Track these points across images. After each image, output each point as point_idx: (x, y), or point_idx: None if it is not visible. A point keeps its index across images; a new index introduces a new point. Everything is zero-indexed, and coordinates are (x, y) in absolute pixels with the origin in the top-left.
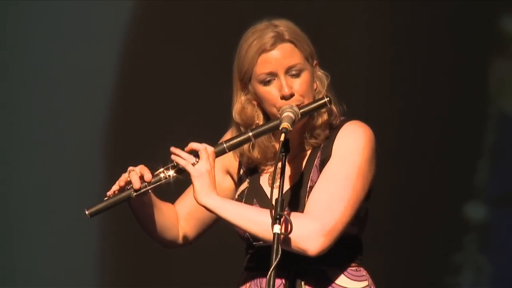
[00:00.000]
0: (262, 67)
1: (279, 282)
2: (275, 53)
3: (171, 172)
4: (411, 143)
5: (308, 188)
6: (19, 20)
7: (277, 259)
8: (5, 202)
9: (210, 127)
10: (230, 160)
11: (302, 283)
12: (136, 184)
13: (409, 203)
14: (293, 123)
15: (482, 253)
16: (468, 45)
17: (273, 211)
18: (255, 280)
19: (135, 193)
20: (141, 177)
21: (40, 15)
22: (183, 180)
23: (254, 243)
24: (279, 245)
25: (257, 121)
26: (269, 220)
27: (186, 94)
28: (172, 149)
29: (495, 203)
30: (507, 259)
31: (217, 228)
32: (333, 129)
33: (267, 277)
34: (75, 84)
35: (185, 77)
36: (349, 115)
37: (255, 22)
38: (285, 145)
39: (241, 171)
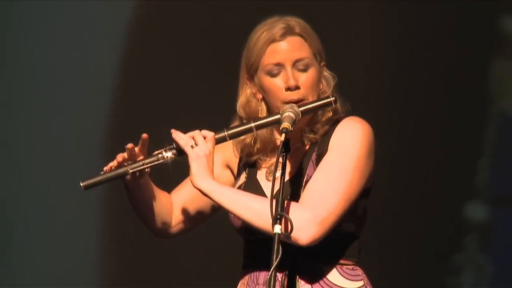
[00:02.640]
0: (270, 57)
1: None
2: (284, 44)
3: (169, 154)
4: (411, 143)
5: (304, 183)
6: (19, 20)
7: (277, 260)
8: (5, 202)
9: (210, 126)
10: (231, 155)
11: (297, 279)
12: (133, 161)
13: (410, 203)
14: (293, 123)
15: (483, 253)
16: (468, 45)
17: (272, 208)
18: (252, 276)
19: (131, 170)
20: (139, 156)
21: (40, 15)
22: (182, 172)
23: (250, 238)
24: (280, 245)
25: (259, 115)
26: (263, 207)
27: (186, 93)
28: (173, 130)
29: (495, 203)
30: (508, 259)
31: (218, 228)
32: (331, 125)
33: (268, 277)
34: (75, 84)
35: (185, 77)
36: (349, 114)
37: (255, 22)
38: (286, 145)
39: (240, 166)
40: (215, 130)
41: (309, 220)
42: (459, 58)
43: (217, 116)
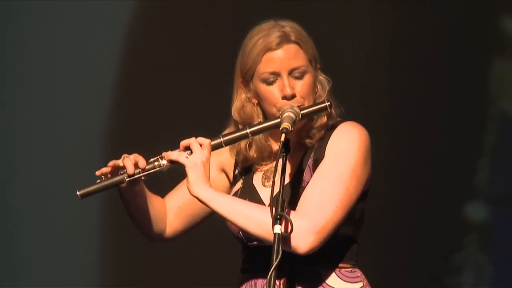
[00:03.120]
0: (266, 66)
1: None
2: (280, 53)
3: (165, 161)
4: (411, 143)
5: (300, 189)
6: (19, 20)
7: (278, 260)
8: (5, 202)
9: (210, 126)
10: (227, 159)
11: (296, 284)
12: (130, 169)
13: (410, 203)
14: (293, 123)
15: (482, 253)
16: (468, 45)
17: (273, 210)
18: (250, 282)
19: (128, 178)
20: (135, 164)
21: (40, 15)
22: (176, 177)
23: (248, 244)
24: (280, 246)
25: (257, 120)
26: (260, 215)
27: (186, 94)
28: (163, 153)
29: (495, 203)
30: (508, 259)
31: (218, 229)
32: (328, 130)
33: (268, 277)
34: (75, 84)
35: (185, 77)
36: (348, 115)
37: (254, 22)
38: (286, 145)
39: (237, 171)
40: (215, 129)
41: (307, 228)
42: (459, 58)
43: (217, 115)
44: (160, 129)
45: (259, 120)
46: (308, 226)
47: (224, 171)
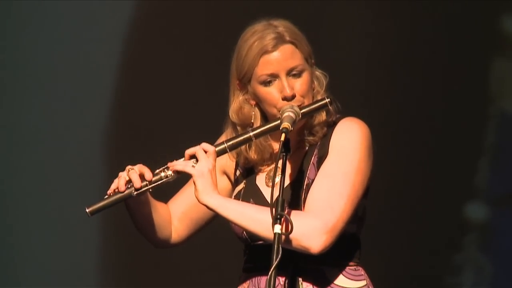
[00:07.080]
0: (263, 69)
1: (277, 282)
2: (276, 54)
3: (171, 171)
4: (411, 142)
5: (305, 186)
6: (19, 20)
7: (278, 259)
8: (6, 202)
9: (211, 127)
10: (227, 161)
11: (300, 282)
12: (137, 183)
13: (410, 203)
14: (293, 123)
15: (482, 253)
16: (468, 45)
17: (273, 210)
18: (253, 280)
19: (135, 192)
20: (141, 176)
21: (40, 15)
22: (179, 180)
23: (252, 243)
24: (280, 245)
25: (253, 121)
26: (269, 218)
27: (186, 94)
28: (169, 163)
29: (495, 203)
30: (508, 259)
31: (217, 229)
32: (329, 126)
33: (268, 277)
34: (75, 84)
35: (186, 77)
36: (349, 114)
37: (255, 22)
38: (286, 145)
39: (238, 172)
40: (215, 128)
41: (319, 228)
42: (459, 58)
43: (218, 117)
44: (161, 129)
45: (257, 121)
46: (320, 226)
47: (225, 173)
